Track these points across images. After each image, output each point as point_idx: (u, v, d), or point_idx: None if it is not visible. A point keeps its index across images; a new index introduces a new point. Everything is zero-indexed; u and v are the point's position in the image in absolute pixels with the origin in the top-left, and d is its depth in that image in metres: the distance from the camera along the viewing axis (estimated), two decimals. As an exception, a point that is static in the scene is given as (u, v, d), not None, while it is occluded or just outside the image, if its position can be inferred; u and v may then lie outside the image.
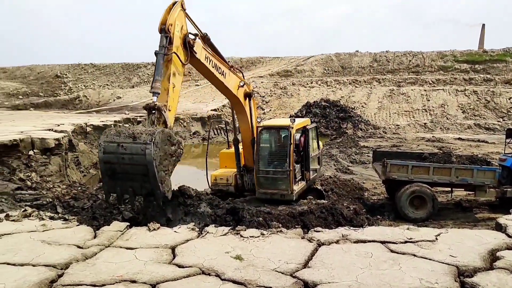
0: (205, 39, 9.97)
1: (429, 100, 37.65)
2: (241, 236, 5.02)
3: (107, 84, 58.44)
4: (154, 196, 7.32)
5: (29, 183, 12.04)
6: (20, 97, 54.31)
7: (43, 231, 5.24)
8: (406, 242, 5.45)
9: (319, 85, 44.36)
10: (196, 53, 9.24)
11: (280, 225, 6.32)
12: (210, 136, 28.39)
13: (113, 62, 66.66)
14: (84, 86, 58.02)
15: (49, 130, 17.90)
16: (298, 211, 11.03)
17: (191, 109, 37.51)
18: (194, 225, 5.26)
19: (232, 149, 12.85)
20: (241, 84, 11.30)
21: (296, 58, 57.38)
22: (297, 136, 12.78)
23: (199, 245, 4.86)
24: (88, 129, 21.62)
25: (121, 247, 4.81)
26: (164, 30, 8.44)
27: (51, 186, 12.07)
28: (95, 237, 5.09)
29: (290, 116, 34.24)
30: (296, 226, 10.67)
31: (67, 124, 20.72)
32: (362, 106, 37.83)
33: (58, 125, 20.16)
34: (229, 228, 5.15)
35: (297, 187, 12.02)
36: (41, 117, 25.29)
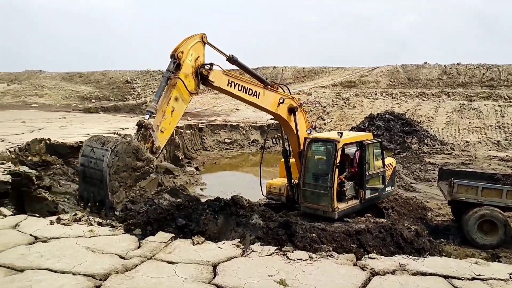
0: (232, 61, 9.70)
1: (503, 116, 35.07)
2: (288, 258, 4.68)
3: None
4: (104, 204, 7.01)
5: (90, 184, 12.43)
6: (93, 100, 57.50)
7: (90, 237, 5.23)
8: (473, 279, 4.80)
9: (384, 97, 42.87)
10: (213, 82, 9.06)
11: (331, 248, 5.85)
12: (269, 145, 28.27)
13: (180, 69, 68.58)
14: (152, 92, 60.24)
15: (114, 133, 18.56)
16: (355, 229, 10.46)
17: (251, 117, 37.62)
18: (239, 241, 5.00)
19: (293, 159, 12.54)
20: (281, 100, 10.81)
21: (360, 68, 55.99)
22: (352, 151, 12.22)
23: (242, 265, 4.58)
24: (150, 133, 22.16)
25: (162, 260, 4.66)
26: (174, 56, 8.42)
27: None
28: (139, 247, 4.99)
29: (352, 128, 33.29)
30: (351, 246, 10.15)
31: (132, 128, 21.42)
32: (429, 120, 35.99)
33: (123, 129, 20.89)
34: (276, 248, 4.81)
35: (344, 206, 11.43)
36: (108, 121, 26.46)
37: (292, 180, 12.02)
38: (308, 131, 12.31)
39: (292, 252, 4.70)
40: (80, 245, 5.00)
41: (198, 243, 4.88)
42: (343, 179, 11.64)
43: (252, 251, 4.82)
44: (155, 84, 64.28)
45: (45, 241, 5.08)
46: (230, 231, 10.50)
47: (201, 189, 18.93)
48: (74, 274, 4.33)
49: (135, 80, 66.60)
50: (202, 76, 8.82)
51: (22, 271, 4.56)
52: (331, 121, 38.37)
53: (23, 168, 9.46)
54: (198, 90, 8.97)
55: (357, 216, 12.18)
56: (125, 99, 56.57)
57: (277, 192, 12.72)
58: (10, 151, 11.91)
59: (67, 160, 14.17)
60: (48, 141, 13.99)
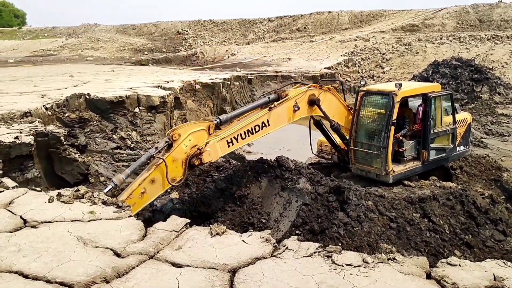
0: (222, 125, 8.04)
1: None
2: (333, 262, 3.40)
3: (224, 41, 58.93)
4: None
5: (129, 142, 11.79)
6: (146, 52, 57.48)
7: (88, 221, 4.26)
8: None
9: (450, 41, 39.12)
10: (211, 159, 7.71)
11: (393, 248, 4.57)
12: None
13: (231, 18, 66.92)
14: (203, 42, 59.25)
15: (158, 87, 17.79)
16: (418, 196, 9.10)
17: (303, 66, 35.72)
18: (269, 234, 3.88)
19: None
20: (296, 108, 9.01)
21: (424, 11, 51.47)
22: (415, 105, 10.59)
23: (269, 271, 3.31)
24: (197, 86, 21.30)
25: (166, 261, 3.52)
26: (168, 136, 7.07)
27: (150, 146, 11.69)
28: (143, 237, 3.98)
29: (413, 77, 30.68)
30: (413, 215, 8.84)
31: (177, 81, 20.58)
32: (503, 66, 32.43)
33: (168, 82, 20.09)
34: (317, 245, 3.60)
35: (401, 168, 9.97)
36: (155, 73, 25.77)
37: (337, 144, 10.65)
38: (362, 82, 10.74)
39: (340, 253, 3.43)
40: (72, 233, 4.02)
41: (218, 233, 3.80)
42: (401, 138, 10.14)
43: (286, 248, 3.64)
44: (206, 35, 63.18)
45: (34, 227, 4.17)
46: (274, 196, 9.50)
47: (249, 144, 17.92)
48: (48, 281, 3.35)
49: (187, 31, 65.79)
50: (192, 166, 7.39)
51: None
52: (391, 69, 35.66)
53: (50, 128, 8.83)
54: (181, 182, 7.51)
55: (420, 179, 10.74)
56: (177, 50, 56.05)
57: (329, 151, 11.45)
58: (46, 108, 11.38)
59: (107, 116, 13.58)
60: (88, 96, 13.40)
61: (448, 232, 8.49)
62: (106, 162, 10.49)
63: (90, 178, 9.04)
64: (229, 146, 7.91)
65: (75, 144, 10.31)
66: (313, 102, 9.45)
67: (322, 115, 9.82)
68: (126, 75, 22.31)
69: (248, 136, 8.19)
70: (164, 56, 48.99)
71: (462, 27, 43.26)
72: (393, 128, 9.41)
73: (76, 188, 5.07)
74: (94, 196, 4.87)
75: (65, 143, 8.62)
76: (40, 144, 8.37)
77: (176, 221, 4.29)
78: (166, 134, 7.15)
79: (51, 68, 29.21)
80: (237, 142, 8.01)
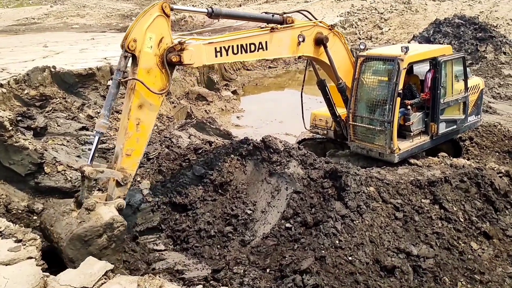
0: (215, 16, 7.00)
1: None
2: None
3: (215, 3, 56.33)
4: None
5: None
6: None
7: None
8: None
9: (452, -2, 37.10)
10: (193, 63, 6.46)
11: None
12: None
13: (221, -21, 63.88)
14: (193, 5, 56.67)
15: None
16: (427, 178, 7.87)
17: (298, 29, 33.82)
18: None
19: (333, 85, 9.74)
20: (301, 39, 7.84)
21: (424, -35, 48.84)
22: (423, 70, 9.24)
23: None
24: (182, 53, 19.67)
25: None
26: (124, 47, 5.80)
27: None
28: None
29: (414, 37, 28.97)
30: (422, 201, 7.64)
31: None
32: (508, 23, 30.66)
33: (150, 49, 18.45)
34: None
35: (408, 145, 8.73)
36: (139, 40, 23.95)
37: (337, 113, 9.32)
38: (362, 46, 9.31)
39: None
40: None
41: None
42: (409, 108, 8.83)
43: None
44: (196, -3, 60.38)
45: None
46: (261, 182, 8.23)
47: (238, 117, 16.60)
48: None
49: (176, -6, 62.84)
50: (172, 64, 6.25)
51: None
52: (389, 29, 33.81)
53: (-12, 111, 7.49)
54: (170, 85, 6.43)
55: (427, 155, 9.51)
56: (166, 15, 53.54)
57: (324, 126, 10.15)
58: (1, 85, 9.95)
59: (76, 91, 12.15)
60: (53, 69, 11.91)
61: (462, 220, 7.34)
62: (70, 145, 9.19)
63: (45, 168, 7.76)
64: (216, 56, 6.81)
65: (32, 126, 8.97)
66: (320, 41, 8.28)
67: (328, 62, 8.54)
68: (105, 44, 20.62)
69: (241, 53, 7.12)
70: (152, 21, 46.64)
71: (464, -17, 41.01)
72: (399, 99, 8.10)
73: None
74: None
75: (11, 128, 7.26)
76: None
77: (91, 269, 3.04)
78: (121, 47, 5.92)
79: (28, 37, 27.36)
80: (227, 55, 6.94)
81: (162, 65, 6.17)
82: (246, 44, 7.14)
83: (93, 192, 6.40)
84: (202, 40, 6.78)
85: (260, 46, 7.33)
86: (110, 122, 5.81)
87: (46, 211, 6.29)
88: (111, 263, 5.36)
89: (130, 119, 5.96)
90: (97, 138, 6.00)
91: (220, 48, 6.80)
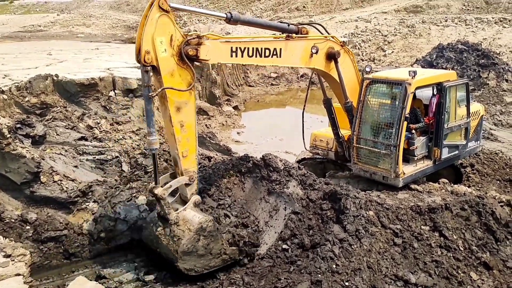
0: (233, 22, 7.05)
1: None
2: None
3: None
4: None
5: (97, 131, 10.35)
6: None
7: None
8: None
9: (456, 24, 37.42)
10: (208, 59, 6.55)
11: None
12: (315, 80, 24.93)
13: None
14: (198, 20, 57.15)
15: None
16: (428, 204, 7.76)
17: (302, 48, 34.03)
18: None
19: (338, 104, 9.72)
20: (314, 50, 7.91)
21: (428, -9, 49.44)
22: (428, 95, 9.22)
23: None
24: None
25: None
26: (140, 61, 5.92)
27: (120, 137, 10.25)
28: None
29: (416, 60, 29.11)
30: (422, 228, 7.52)
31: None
32: (511, 51, 30.89)
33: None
34: None
35: (412, 169, 8.65)
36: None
37: (340, 134, 9.28)
38: (368, 69, 9.31)
39: None
40: None
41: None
42: (414, 132, 8.76)
43: None
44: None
45: None
46: (259, 200, 8.13)
47: (238, 133, 16.53)
48: None
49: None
50: (190, 58, 6.29)
51: None
52: (392, 52, 34.04)
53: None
54: (195, 77, 6.55)
55: (428, 181, 9.42)
56: (171, 29, 53.98)
57: (324, 146, 10.07)
58: (2, 91, 9.91)
59: (77, 101, 12.11)
60: (55, 78, 11.89)
61: (462, 249, 7.21)
62: (68, 155, 9.10)
63: (41, 177, 7.65)
64: (231, 55, 6.87)
65: (31, 134, 8.89)
66: (332, 56, 8.33)
67: (337, 78, 8.57)
68: (109, 54, 20.68)
69: (255, 56, 7.18)
70: (157, 34, 47.03)
71: (468, 9, 41.50)
72: (405, 123, 8.04)
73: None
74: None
75: (9, 135, 7.19)
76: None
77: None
78: (138, 61, 6.02)
79: (33, 44, 27.47)
80: (242, 56, 6.99)
81: (182, 61, 6.27)
82: (262, 48, 7.19)
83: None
84: (219, 38, 6.79)
85: (275, 53, 7.40)
86: (159, 137, 6.09)
87: (143, 232, 6.95)
88: (218, 251, 6.59)
89: (174, 125, 6.25)
90: (153, 155, 6.35)
91: (236, 48, 6.86)
